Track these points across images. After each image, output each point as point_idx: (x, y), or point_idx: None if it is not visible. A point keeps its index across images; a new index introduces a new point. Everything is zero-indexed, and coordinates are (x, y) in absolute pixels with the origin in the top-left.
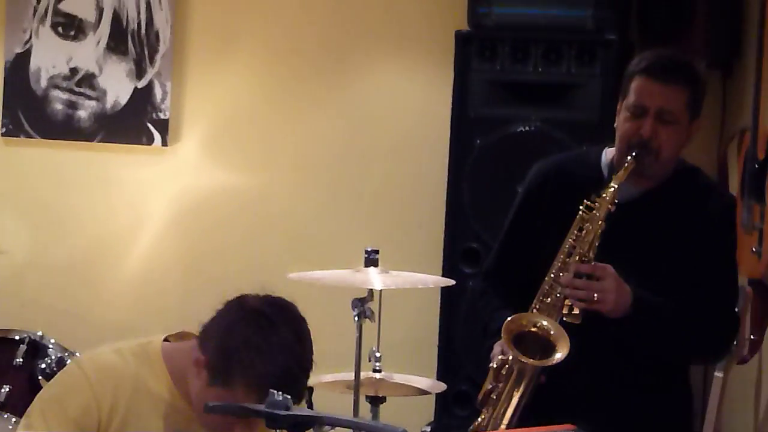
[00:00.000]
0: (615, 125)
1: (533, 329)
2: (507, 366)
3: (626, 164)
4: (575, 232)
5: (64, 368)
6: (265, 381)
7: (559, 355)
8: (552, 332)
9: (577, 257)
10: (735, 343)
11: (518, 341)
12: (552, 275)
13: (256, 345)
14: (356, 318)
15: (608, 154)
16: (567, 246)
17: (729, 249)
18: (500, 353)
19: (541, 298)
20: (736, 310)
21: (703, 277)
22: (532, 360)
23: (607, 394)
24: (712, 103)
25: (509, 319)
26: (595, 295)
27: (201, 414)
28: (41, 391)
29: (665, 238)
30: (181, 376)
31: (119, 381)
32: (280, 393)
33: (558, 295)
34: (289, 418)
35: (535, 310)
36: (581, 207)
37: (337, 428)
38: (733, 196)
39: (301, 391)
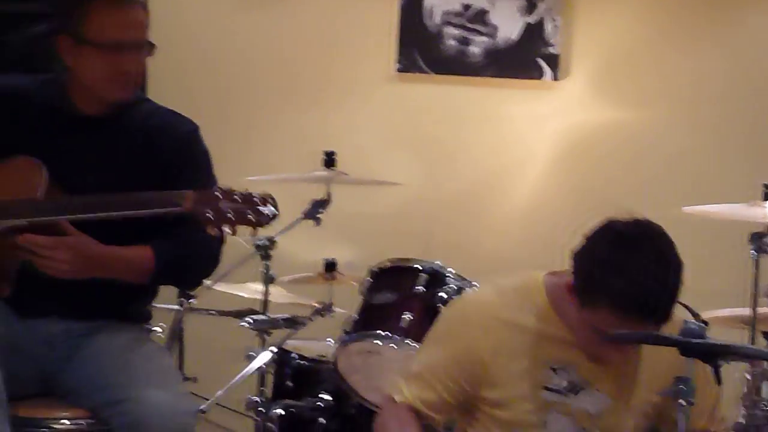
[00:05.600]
0: None
1: None
2: None
3: None
4: None
5: (452, 306)
6: (627, 302)
7: None
8: None
9: None
10: None
11: None
12: None
13: (615, 264)
14: (754, 253)
15: None
16: None
17: None
18: None
19: None
20: None
21: None
22: None
23: None
24: None
25: None
26: None
27: (584, 342)
28: (432, 327)
29: None
30: (563, 306)
31: (500, 322)
32: (695, 321)
33: None
34: (703, 346)
35: None
36: None
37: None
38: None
39: (665, 314)
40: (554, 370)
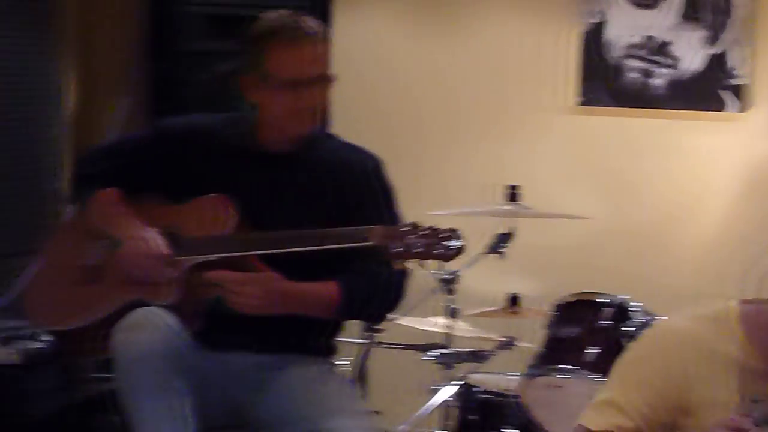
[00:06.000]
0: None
1: None
2: None
3: None
4: None
5: (645, 333)
6: None
7: None
8: None
9: None
10: None
11: None
12: None
13: None
14: None
15: None
16: None
17: None
18: None
19: None
20: None
21: None
22: None
23: None
24: None
25: None
26: None
27: None
28: (624, 353)
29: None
30: (760, 335)
31: (696, 350)
32: None
33: None
34: None
35: None
36: None
37: None
38: None
39: None
40: (755, 402)
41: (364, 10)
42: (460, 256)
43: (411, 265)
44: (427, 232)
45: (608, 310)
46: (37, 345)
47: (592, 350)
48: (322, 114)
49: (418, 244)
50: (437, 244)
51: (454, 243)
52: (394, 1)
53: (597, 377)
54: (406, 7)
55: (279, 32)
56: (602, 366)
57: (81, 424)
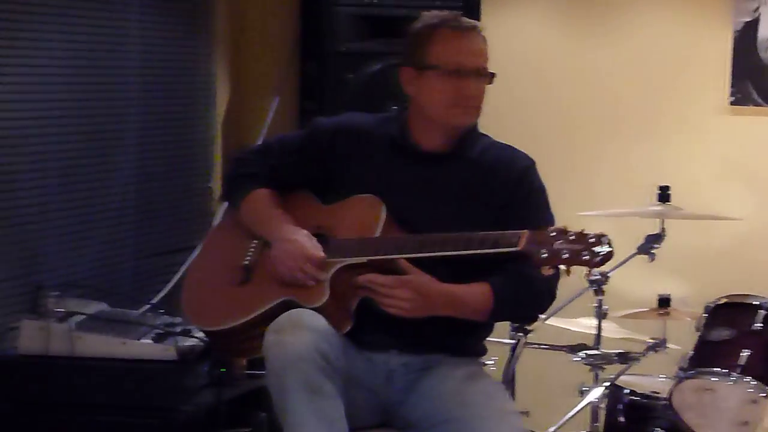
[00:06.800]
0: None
1: None
2: None
3: None
4: None
5: None
6: None
7: None
8: None
9: None
10: None
11: None
12: None
13: None
14: None
15: None
16: None
17: None
18: None
19: None
20: None
21: None
22: None
23: None
24: None
25: None
26: None
27: None
28: None
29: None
30: None
31: None
32: None
33: None
34: None
35: None
36: None
37: None
38: None
39: None
40: None
41: (513, 10)
42: (607, 262)
43: (558, 270)
44: (574, 237)
45: (761, 313)
46: (191, 342)
47: (745, 353)
48: (480, 107)
49: (566, 250)
50: (585, 250)
51: (602, 249)
52: (544, 1)
53: (750, 380)
54: (555, 7)
55: (443, 24)
56: (755, 369)
57: (232, 421)
